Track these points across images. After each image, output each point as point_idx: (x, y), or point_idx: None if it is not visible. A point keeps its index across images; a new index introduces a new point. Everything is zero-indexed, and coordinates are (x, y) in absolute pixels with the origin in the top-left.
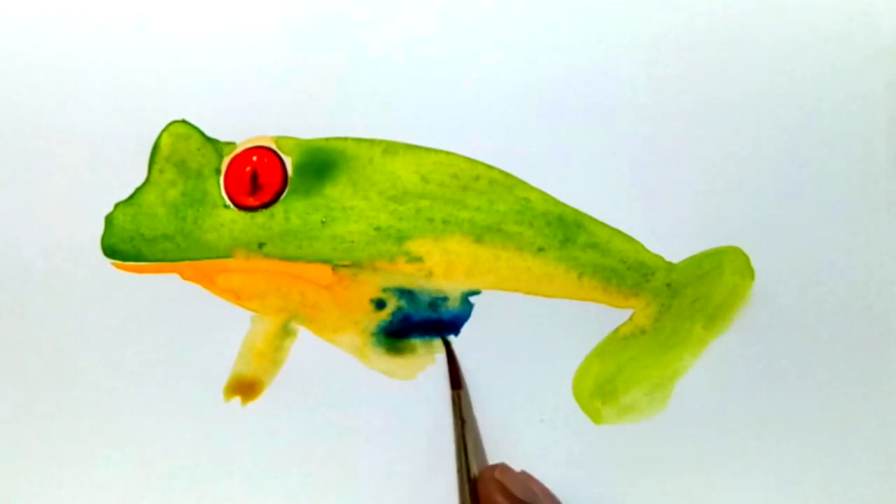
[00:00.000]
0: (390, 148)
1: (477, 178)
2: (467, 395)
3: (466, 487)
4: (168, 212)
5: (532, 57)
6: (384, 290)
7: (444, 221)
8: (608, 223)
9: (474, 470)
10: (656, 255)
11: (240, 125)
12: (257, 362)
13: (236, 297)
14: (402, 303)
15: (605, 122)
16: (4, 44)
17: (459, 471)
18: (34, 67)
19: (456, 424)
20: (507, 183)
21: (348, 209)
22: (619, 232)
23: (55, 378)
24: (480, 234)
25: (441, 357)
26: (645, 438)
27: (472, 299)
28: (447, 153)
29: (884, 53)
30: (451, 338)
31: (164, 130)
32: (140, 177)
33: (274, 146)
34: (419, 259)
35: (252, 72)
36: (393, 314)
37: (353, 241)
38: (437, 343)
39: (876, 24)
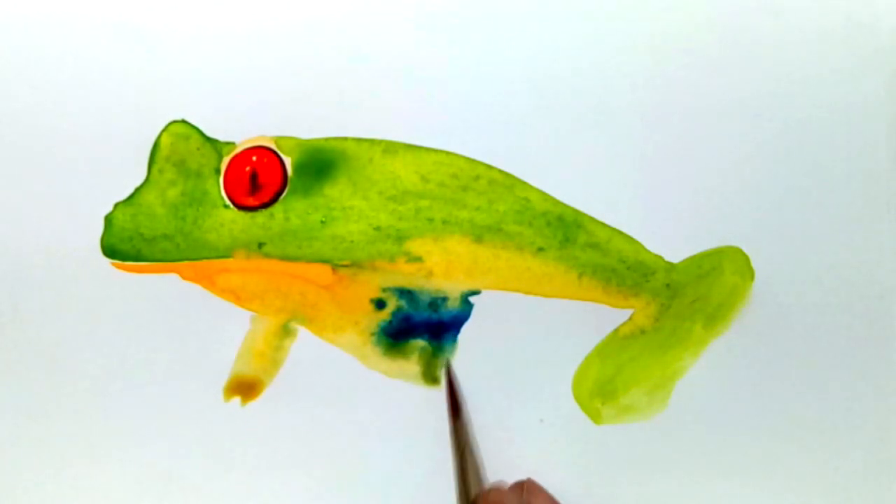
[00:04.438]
0: (390, 148)
1: (477, 178)
2: (468, 423)
3: None
4: (168, 212)
5: (532, 57)
6: (384, 290)
7: (444, 221)
8: (608, 223)
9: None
10: (656, 255)
11: (240, 125)
12: (257, 362)
13: (236, 297)
14: (402, 303)
15: (606, 122)
16: (4, 44)
17: (459, 498)
18: (34, 68)
19: (456, 452)
20: (507, 183)
21: (348, 209)
22: (619, 232)
23: (55, 378)
24: (480, 234)
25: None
26: (645, 438)
27: (472, 299)
28: (447, 153)
29: (884, 53)
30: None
31: (163, 130)
32: (140, 177)
33: (274, 146)
34: (419, 259)
35: (252, 72)
36: (393, 314)
37: (353, 241)
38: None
39: (876, 24)
